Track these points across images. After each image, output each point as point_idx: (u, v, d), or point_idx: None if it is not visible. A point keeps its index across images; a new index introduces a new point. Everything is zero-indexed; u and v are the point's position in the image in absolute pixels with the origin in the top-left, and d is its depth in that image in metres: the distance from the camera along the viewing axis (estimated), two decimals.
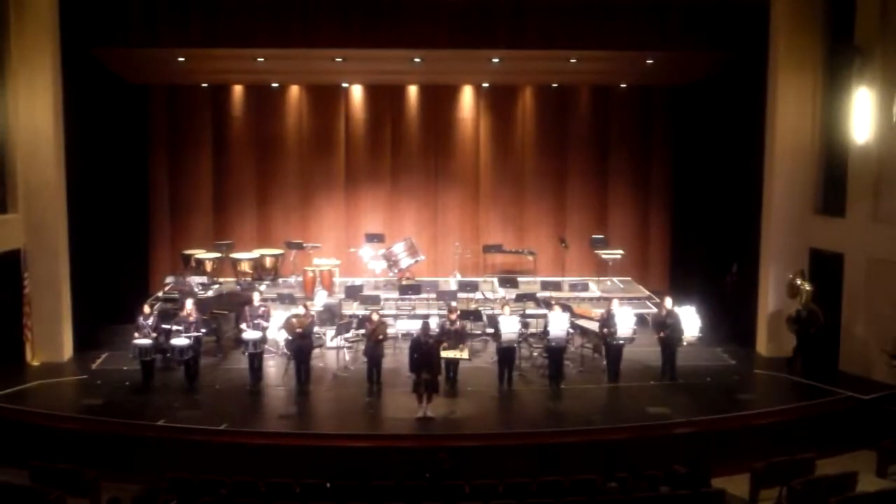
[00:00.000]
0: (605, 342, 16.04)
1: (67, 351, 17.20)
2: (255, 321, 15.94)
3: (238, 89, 22.14)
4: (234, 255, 20.69)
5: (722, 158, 19.79)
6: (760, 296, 17.83)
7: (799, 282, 16.63)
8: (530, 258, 21.62)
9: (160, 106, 21.86)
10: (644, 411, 14.46)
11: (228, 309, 17.72)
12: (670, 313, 16.13)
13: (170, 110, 21.92)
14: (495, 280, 20.38)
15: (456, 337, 15.51)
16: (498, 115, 22.48)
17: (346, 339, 16.88)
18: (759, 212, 17.92)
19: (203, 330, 15.99)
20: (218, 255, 20.64)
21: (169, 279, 19.90)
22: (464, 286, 18.97)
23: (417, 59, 18.78)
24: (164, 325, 15.88)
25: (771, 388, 15.85)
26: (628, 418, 14.13)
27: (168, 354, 15.90)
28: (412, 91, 22.37)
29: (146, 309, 15.98)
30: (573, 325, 16.50)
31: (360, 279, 20.68)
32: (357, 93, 22.35)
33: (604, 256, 21.15)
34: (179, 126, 22.00)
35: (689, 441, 13.27)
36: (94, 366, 16.68)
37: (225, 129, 22.22)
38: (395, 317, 18.28)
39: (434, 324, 16.11)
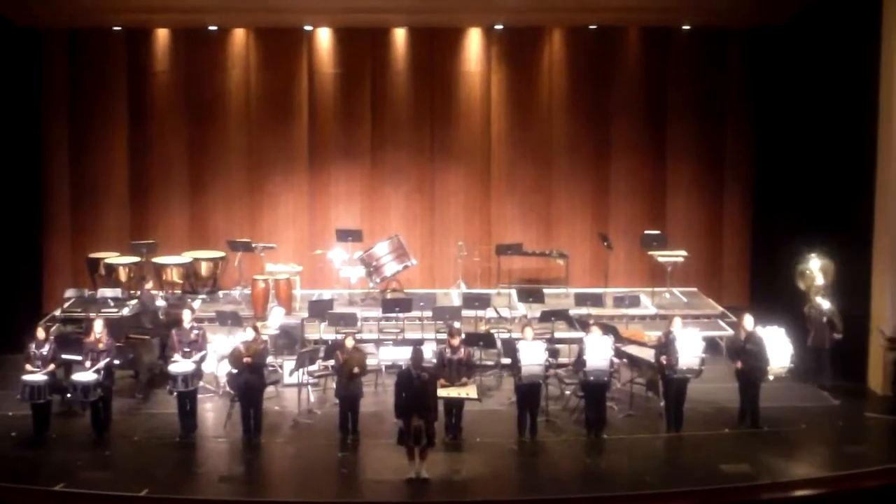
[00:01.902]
0: (664, 376, 16.02)
1: None
2: (187, 349, 15.89)
3: (163, 34, 22.14)
4: (158, 260, 20.71)
5: (820, 125, 19.74)
6: (874, 310, 17.80)
7: (808, 267, 17.02)
8: (560, 263, 21.62)
9: (58, 57, 21.86)
10: (717, 470, 14.44)
11: (150, 333, 17.69)
12: (751, 337, 16.09)
13: (71, 63, 21.93)
14: (513, 292, 20.41)
15: (459, 370, 15.50)
16: (516, 67, 22.50)
17: (310, 374, 16.85)
18: (871, 196, 17.90)
19: (117, 361, 15.95)
20: (136, 259, 20.64)
21: (70, 292, 19.90)
22: (470, 301, 18.96)
23: None
24: (63, 355, 15.82)
25: (889, 437, 15.86)
26: (695, 479, 14.07)
27: (69, 395, 15.82)
28: (399, 35, 22.37)
29: (39, 333, 15.93)
30: (619, 354, 16.48)
31: (329, 292, 20.70)
32: (324, 38, 22.36)
33: (661, 260, 21.17)
34: (84, 84, 22.01)
35: None
36: None
37: (146, 89, 22.23)
38: (377, 343, 18.30)
39: (430, 352, 16.12)
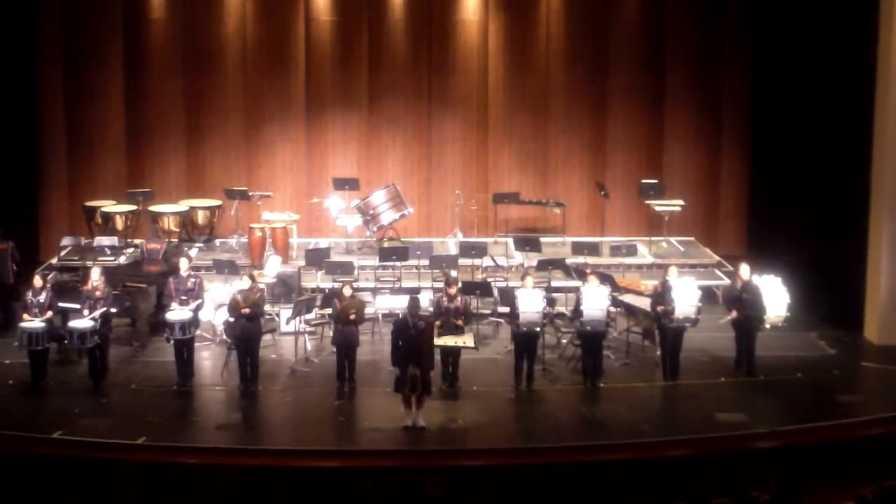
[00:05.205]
0: (660, 325, 16.03)
1: None
2: (184, 297, 15.90)
3: None
4: (155, 209, 20.65)
5: (819, 74, 19.60)
6: (870, 262, 17.75)
7: None
8: (557, 211, 21.54)
9: (53, 5, 21.61)
10: (712, 418, 14.51)
11: (147, 281, 17.67)
12: (747, 286, 16.07)
13: (66, 11, 21.68)
14: (510, 241, 20.39)
15: (456, 318, 15.47)
16: (513, 15, 22.30)
17: (307, 322, 16.86)
18: (868, 148, 17.78)
19: (114, 309, 15.93)
20: (132, 207, 20.59)
21: (66, 241, 19.88)
22: (467, 249, 18.91)
23: None
24: (60, 303, 15.83)
25: (884, 387, 15.85)
26: (690, 428, 14.15)
27: (66, 342, 15.86)
28: None
29: (36, 281, 15.94)
30: (616, 302, 16.48)
31: (325, 240, 20.66)
32: None
33: (658, 209, 21.07)
34: (80, 33, 21.78)
35: (772, 459, 13.23)
36: None
37: (142, 36, 22.01)
38: (374, 291, 18.29)
39: (426, 300, 16.08)
